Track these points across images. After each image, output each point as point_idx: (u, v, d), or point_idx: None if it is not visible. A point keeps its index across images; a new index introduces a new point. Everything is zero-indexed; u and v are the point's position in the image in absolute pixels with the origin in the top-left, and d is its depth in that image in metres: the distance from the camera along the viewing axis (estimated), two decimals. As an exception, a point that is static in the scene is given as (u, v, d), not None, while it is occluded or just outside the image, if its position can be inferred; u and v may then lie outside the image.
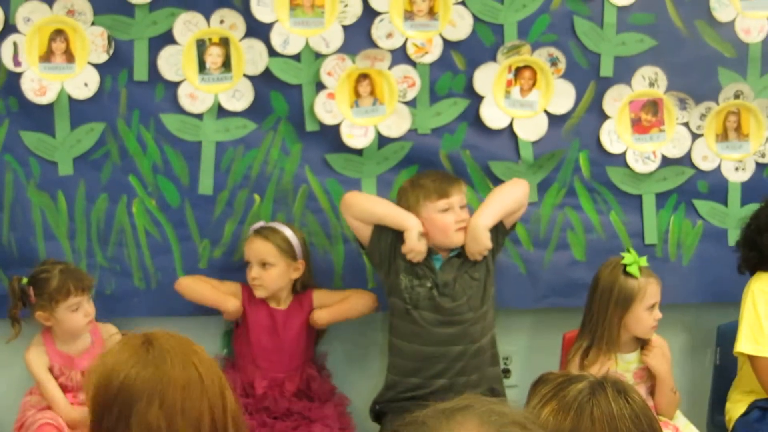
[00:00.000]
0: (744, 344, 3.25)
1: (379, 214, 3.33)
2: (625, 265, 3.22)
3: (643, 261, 3.26)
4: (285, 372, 3.44)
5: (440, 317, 3.29)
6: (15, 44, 3.36)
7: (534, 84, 3.55)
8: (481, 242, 3.28)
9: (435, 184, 3.31)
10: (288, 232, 3.44)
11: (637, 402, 1.80)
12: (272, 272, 3.40)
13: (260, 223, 3.47)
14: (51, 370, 3.33)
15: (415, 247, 3.26)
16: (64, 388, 3.33)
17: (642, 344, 3.31)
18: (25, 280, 3.29)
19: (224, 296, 3.45)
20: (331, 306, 3.48)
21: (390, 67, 3.49)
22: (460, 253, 3.32)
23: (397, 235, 3.30)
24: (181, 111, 3.45)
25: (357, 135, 3.51)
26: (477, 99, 3.53)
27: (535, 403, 1.81)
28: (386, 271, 3.35)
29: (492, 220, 3.30)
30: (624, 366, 3.29)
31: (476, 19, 3.48)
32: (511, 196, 3.37)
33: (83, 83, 3.41)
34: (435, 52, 3.49)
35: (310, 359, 3.53)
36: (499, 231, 3.35)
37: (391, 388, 3.37)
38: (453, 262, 3.32)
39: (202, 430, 1.76)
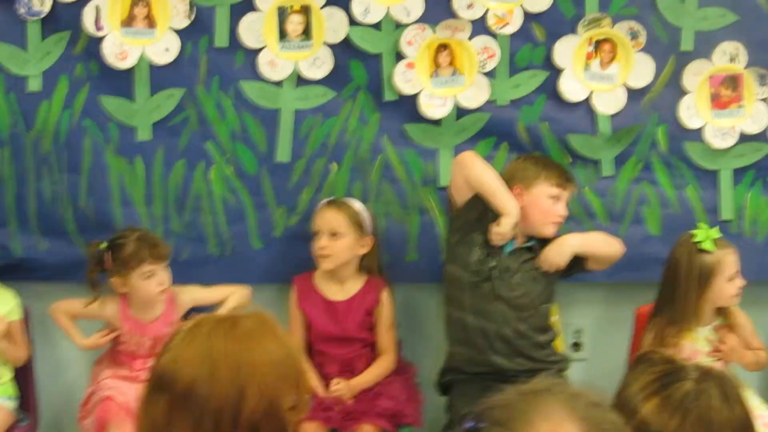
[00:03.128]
0: None
1: (486, 186, 3.25)
2: (698, 242, 3.22)
3: (715, 232, 3.24)
4: (354, 354, 3.43)
5: (496, 295, 3.27)
6: (97, 8, 3.35)
7: (614, 57, 3.53)
8: (561, 256, 3.30)
9: (560, 172, 3.33)
10: (359, 206, 3.43)
11: (739, 410, 1.78)
12: (341, 243, 3.37)
13: (332, 198, 3.47)
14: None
15: (506, 234, 3.23)
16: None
17: (721, 314, 3.33)
18: (103, 245, 3.30)
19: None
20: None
21: (470, 38, 3.47)
22: (533, 248, 3.33)
23: (485, 209, 3.26)
24: (261, 78, 3.45)
25: (435, 105, 3.50)
26: (556, 71, 3.52)
27: (636, 390, 1.80)
28: (459, 239, 3.32)
29: (582, 247, 3.33)
30: (702, 340, 3.28)
31: (557, -9, 3.47)
32: (608, 247, 3.40)
33: (164, 48, 3.40)
34: (515, 24, 3.48)
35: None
36: (575, 265, 3.36)
37: (451, 360, 3.38)
38: (521, 254, 3.31)
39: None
